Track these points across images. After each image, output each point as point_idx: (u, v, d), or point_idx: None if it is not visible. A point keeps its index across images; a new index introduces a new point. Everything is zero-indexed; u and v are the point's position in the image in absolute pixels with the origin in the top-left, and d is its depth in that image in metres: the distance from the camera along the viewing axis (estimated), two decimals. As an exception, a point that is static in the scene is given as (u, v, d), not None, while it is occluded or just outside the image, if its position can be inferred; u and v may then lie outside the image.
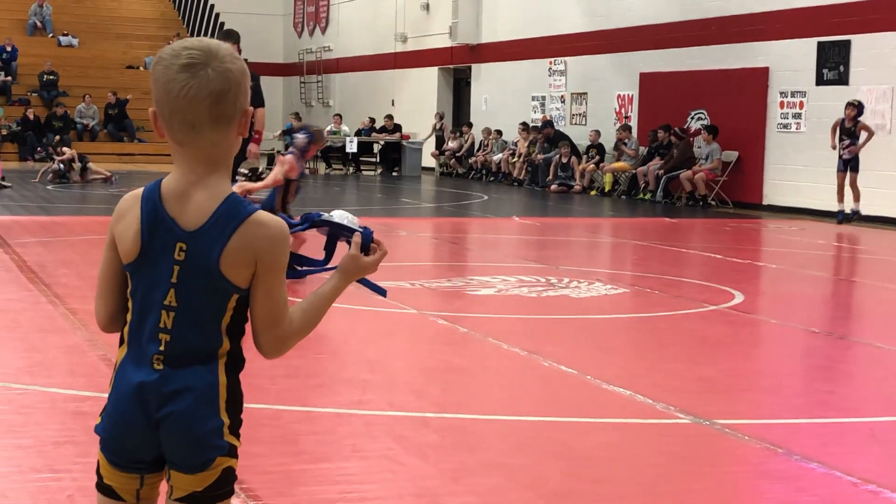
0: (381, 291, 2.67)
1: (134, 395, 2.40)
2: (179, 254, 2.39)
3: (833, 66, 18.78)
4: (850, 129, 16.75)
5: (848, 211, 16.90)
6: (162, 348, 2.40)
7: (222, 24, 35.56)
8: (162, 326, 2.40)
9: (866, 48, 18.18)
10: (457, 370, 6.77)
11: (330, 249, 2.69)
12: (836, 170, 17.00)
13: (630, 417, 5.67)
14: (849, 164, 16.85)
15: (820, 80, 19.04)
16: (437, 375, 6.60)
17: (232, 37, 11.67)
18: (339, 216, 2.61)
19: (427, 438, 5.15)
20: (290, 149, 10.30)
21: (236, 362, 2.47)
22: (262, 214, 2.41)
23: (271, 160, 29.45)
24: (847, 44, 18.49)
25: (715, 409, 5.75)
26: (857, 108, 16.83)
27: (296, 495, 4.31)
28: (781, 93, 19.82)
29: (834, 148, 16.93)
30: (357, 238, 2.56)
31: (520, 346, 7.30)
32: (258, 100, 11.79)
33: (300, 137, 10.10)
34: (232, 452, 2.44)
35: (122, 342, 2.47)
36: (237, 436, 2.46)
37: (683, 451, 5.12)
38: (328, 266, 2.66)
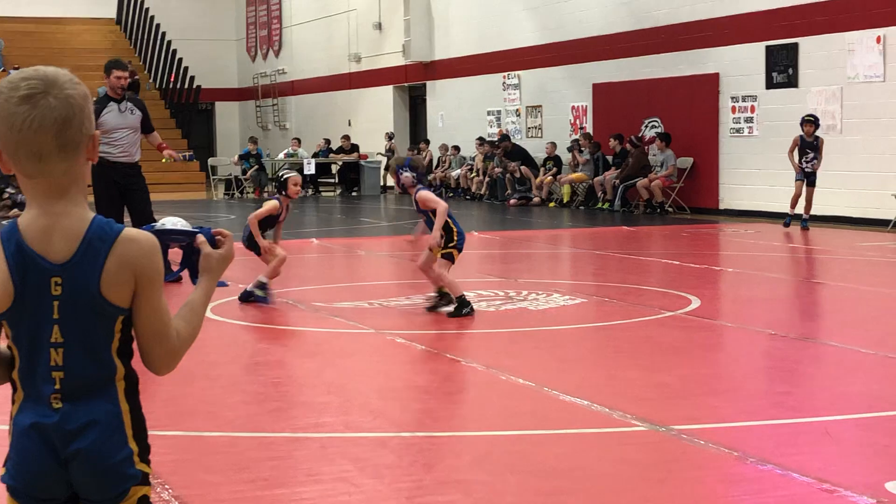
0: (223, 283, 2.67)
1: (37, 439, 2.36)
2: (56, 288, 2.35)
3: (782, 69, 18.95)
4: (812, 143, 16.62)
5: (802, 221, 16.77)
6: (57, 386, 2.37)
7: (174, 51, 35.50)
8: (53, 365, 2.37)
9: (814, 50, 18.35)
10: (415, 388, 6.75)
11: (189, 265, 2.67)
12: (794, 178, 16.89)
13: (587, 427, 5.67)
14: (809, 178, 16.71)
15: (770, 84, 19.21)
16: (394, 395, 6.58)
17: (117, 65, 11.73)
18: (172, 223, 2.60)
19: (384, 459, 5.13)
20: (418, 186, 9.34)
21: (133, 385, 2.45)
22: (132, 230, 2.40)
23: (229, 185, 29.37)
24: (795, 47, 18.66)
25: (672, 416, 5.76)
26: (814, 123, 16.63)
27: (250, 522, 4.28)
28: (733, 98, 19.97)
29: (797, 167, 16.74)
30: (201, 237, 2.55)
31: (478, 362, 7.29)
32: (150, 125, 12.02)
33: (406, 175, 9.33)
34: (145, 480, 2.43)
35: (14, 388, 2.43)
36: (147, 462, 2.45)
37: (641, 458, 5.12)
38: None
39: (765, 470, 4.84)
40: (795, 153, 16.74)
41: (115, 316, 2.38)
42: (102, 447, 2.36)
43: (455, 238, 9.23)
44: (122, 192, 11.53)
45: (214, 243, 2.60)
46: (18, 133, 2.32)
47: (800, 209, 16.96)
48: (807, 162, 16.64)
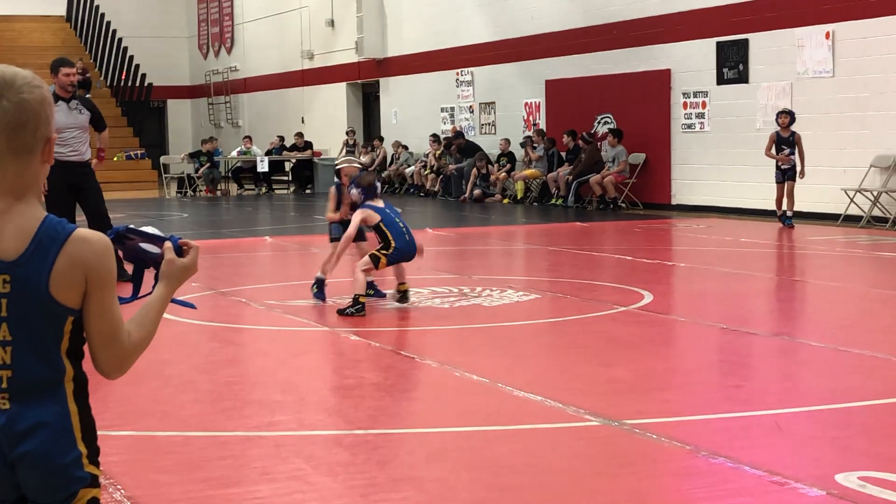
0: (191, 305, 2.66)
1: None
2: (4, 286, 2.33)
3: (733, 65, 19.09)
4: (788, 139, 16.45)
5: (786, 218, 16.53)
6: (5, 385, 2.35)
7: (125, 49, 35.24)
8: (0, 363, 2.34)
9: (764, 46, 18.50)
10: (368, 386, 6.75)
11: (138, 278, 2.66)
12: (774, 180, 16.71)
13: (541, 423, 5.69)
14: (787, 174, 16.42)
15: (721, 80, 19.34)
16: (348, 392, 6.58)
17: (63, 63, 11.64)
18: (148, 229, 2.60)
19: (338, 457, 5.13)
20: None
21: (83, 387, 2.42)
22: (84, 231, 2.37)
23: (181, 183, 29.20)
24: (745, 42, 18.81)
25: (625, 410, 5.79)
26: (789, 115, 16.37)
27: (203, 522, 4.26)
28: (684, 93, 20.10)
29: (778, 162, 16.54)
30: (168, 244, 2.54)
31: (432, 358, 7.30)
32: (102, 123, 11.94)
33: (354, 192, 9.71)
34: (94, 482, 2.41)
35: None
36: (97, 464, 2.43)
37: (594, 453, 5.15)
38: (140, 295, 2.63)
39: (716, 463, 4.88)
40: (773, 150, 16.51)
41: (64, 316, 2.36)
42: (51, 449, 2.34)
43: (390, 247, 9.25)
44: (74, 191, 11.43)
45: (181, 253, 2.58)
46: None
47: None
48: (785, 157, 16.37)
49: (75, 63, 12.26)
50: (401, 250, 9.34)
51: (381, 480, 4.71)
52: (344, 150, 29.80)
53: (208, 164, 29.05)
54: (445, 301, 9.78)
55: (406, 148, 27.61)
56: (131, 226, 2.62)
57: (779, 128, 16.46)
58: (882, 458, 4.90)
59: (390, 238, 9.30)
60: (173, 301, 2.58)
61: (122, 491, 4.52)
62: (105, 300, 2.37)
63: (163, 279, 2.55)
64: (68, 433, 2.37)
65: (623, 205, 20.93)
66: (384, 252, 9.28)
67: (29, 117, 2.35)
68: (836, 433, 5.40)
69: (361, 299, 9.05)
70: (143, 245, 2.57)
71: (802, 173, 16.27)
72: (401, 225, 9.43)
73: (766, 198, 18.32)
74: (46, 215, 2.37)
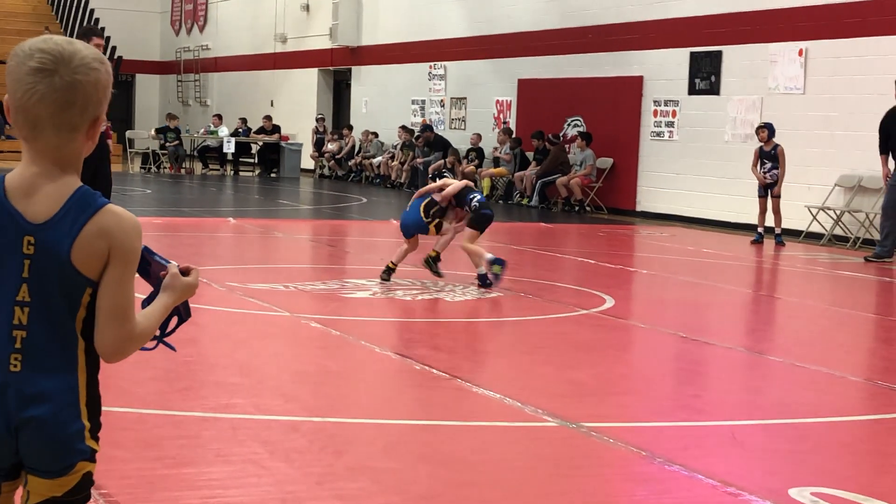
0: (173, 347, 2.66)
1: None
2: (28, 247, 2.33)
3: (705, 76, 19.19)
4: (770, 153, 16.26)
5: (774, 236, 16.42)
6: (18, 345, 2.34)
7: (97, 20, 34.92)
8: (17, 323, 2.34)
9: (737, 59, 18.61)
10: (328, 374, 6.73)
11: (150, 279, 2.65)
12: (757, 194, 16.62)
13: (499, 421, 5.69)
14: (769, 189, 16.32)
15: (692, 90, 19.44)
16: (307, 379, 6.55)
17: (93, 32, 11.54)
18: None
19: (295, 443, 5.10)
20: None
21: (94, 362, 2.42)
22: (117, 207, 2.38)
23: (146, 159, 29.01)
24: (718, 54, 18.90)
25: (582, 413, 5.81)
26: (767, 128, 16.28)
27: (156, 501, 4.23)
28: (655, 101, 20.18)
29: (760, 179, 16.27)
30: (173, 267, 2.54)
31: (393, 350, 7.29)
32: None
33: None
34: (92, 457, 2.41)
35: None
36: (97, 439, 2.43)
37: (549, 453, 5.15)
38: (169, 331, 2.62)
39: (671, 471, 4.90)
40: (758, 166, 16.41)
41: (83, 286, 2.35)
42: (56, 418, 2.34)
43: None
44: (94, 160, 11.39)
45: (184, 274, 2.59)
46: (19, 100, 2.34)
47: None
48: (765, 173, 16.31)
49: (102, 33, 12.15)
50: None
51: (338, 469, 4.70)
52: (315, 137, 29.72)
53: (176, 142, 28.87)
54: (408, 294, 9.77)
55: (377, 136, 27.55)
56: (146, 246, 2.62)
57: (761, 143, 16.44)
58: (835, 475, 4.94)
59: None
60: (160, 340, 2.58)
61: (76, 465, 4.48)
62: (124, 277, 2.37)
63: (165, 291, 2.53)
64: (74, 405, 2.36)
65: (588, 208, 21.00)
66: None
67: (78, 97, 2.34)
68: (790, 447, 5.43)
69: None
70: (156, 257, 2.57)
71: (776, 191, 16.27)
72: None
73: (730, 210, 18.47)
74: (82, 185, 2.37)
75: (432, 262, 10.48)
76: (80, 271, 2.34)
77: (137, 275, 2.49)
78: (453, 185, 10.48)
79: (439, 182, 10.65)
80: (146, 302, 2.52)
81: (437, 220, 10.39)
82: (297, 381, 6.49)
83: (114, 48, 34.49)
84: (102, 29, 11.85)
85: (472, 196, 10.44)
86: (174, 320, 2.61)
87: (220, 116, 30.94)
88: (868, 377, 7.27)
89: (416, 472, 4.74)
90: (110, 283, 2.36)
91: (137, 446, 4.87)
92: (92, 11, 35.25)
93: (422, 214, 10.40)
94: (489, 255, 10.22)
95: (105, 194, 11.29)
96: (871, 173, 16.26)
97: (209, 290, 9.63)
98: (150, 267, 2.56)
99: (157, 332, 2.56)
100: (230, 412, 5.56)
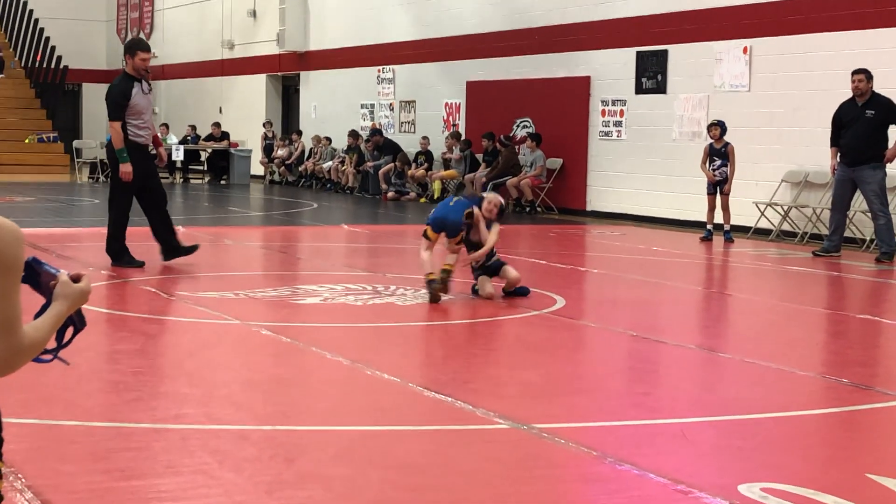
0: (65, 362, 2.63)
1: None
2: None
3: (651, 75, 19.30)
4: (721, 150, 16.28)
5: (723, 233, 16.41)
6: None
7: (41, 29, 34.61)
8: None
9: (683, 58, 18.74)
10: (278, 381, 6.70)
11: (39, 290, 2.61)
12: (706, 192, 16.66)
13: (450, 424, 5.69)
14: (718, 187, 16.34)
15: (639, 89, 19.55)
16: (258, 387, 6.52)
17: (139, 46, 11.47)
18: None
19: (245, 452, 5.07)
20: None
21: None
22: None
23: (93, 168, 28.76)
24: (664, 53, 19.03)
25: (534, 414, 5.82)
26: (719, 126, 16.27)
27: (105, 514, 4.19)
28: (603, 101, 20.28)
29: (709, 177, 16.27)
30: (63, 275, 2.51)
31: (343, 356, 7.27)
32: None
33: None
34: None
35: None
36: (0, 456, 2.37)
37: (501, 456, 5.16)
38: (65, 342, 2.58)
39: (622, 470, 4.92)
40: (707, 164, 16.43)
41: None
42: None
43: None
44: (144, 174, 11.47)
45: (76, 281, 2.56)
46: None
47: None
48: (714, 170, 16.34)
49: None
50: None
51: (288, 477, 4.68)
52: (263, 143, 29.60)
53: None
54: (359, 298, 9.75)
55: (330, 141, 27.48)
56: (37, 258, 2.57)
57: (711, 140, 16.52)
58: (784, 470, 4.98)
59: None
60: (54, 355, 2.53)
61: (24, 480, 4.43)
62: (7, 287, 2.31)
63: (57, 299, 2.49)
64: None
65: (539, 209, 21.06)
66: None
67: None
68: (740, 443, 5.47)
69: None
70: (46, 266, 2.52)
71: (726, 188, 16.37)
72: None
73: (679, 207, 18.60)
74: None
75: (445, 278, 9.77)
76: None
77: (29, 287, 2.44)
78: (493, 236, 9.95)
79: (499, 227, 10.11)
80: (39, 314, 2.48)
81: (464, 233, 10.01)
82: (248, 389, 6.46)
83: (59, 57, 34.19)
84: (145, 45, 11.77)
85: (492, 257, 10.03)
86: (69, 331, 2.56)
87: (167, 126, 30.74)
88: (817, 372, 7.34)
89: (367, 477, 4.73)
90: None
91: (86, 459, 4.83)
92: (37, 21, 34.93)
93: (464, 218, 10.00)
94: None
95: (159, 206, 11.11)
96: (818, 168, 16.43)
97: (158, 299, 9.56)
98: (39, 277, 2.51)
99: (54, 344, 2.52)
100: (180, 423, 5.52)
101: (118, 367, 6.93)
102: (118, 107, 11.46)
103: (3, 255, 2.32)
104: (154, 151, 12.03)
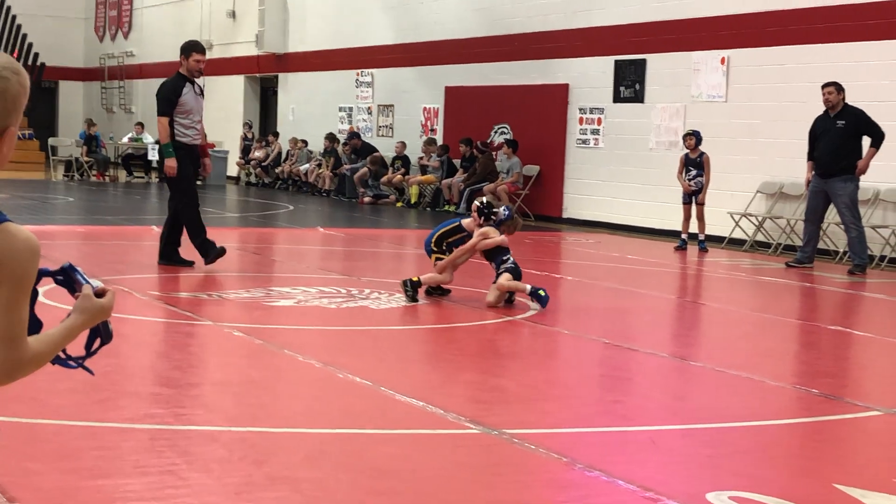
0: (90, 371, 2.63)
1: None
2: None
3: (629, 83, 19.36)
4: (696, 160, 16.37)
5: (698, 242, 16.37)
6: None
7: (19, 25, 34.44)
8: None
9: (661, 67, 18.81)
10: (250, 383, 6.68)
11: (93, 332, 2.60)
12: (682, 201, 16.70)
13: (421, 428, 5.68)
14: (693, 196, 16.43)
15: (617, 98, 19.60)
16: (229, 388, 6.50)
17: (195, 48, 11.46)
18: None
19: (214, 453, 5.05)
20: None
21: None
22: (14, 226, 2.30)
23: (69, 166, 28.63)
24: (643, 63, 19.09)
25: (505, 420, 5.82)
26: (694, 136, 16.37)
27: (71, 514, 4.17)
28: (581, 109, 20.32)
29: (685, 187, 16.36)
30: (87, 288, 2.50)
31: (316, 358, 7.25)
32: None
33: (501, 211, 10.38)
34: None
35: None
36: None
37: (471, 461, 5.15)
38: (92, 351, 2.57)
39: (592, 476, 4.92)
40: (683, 174, 16.50)
41: None
42: None
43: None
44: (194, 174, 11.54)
45: (99, 295, 2.54)
46: None
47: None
48: (690, 180, 16.42)
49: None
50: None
51: (257, 479, 4.66)
52: (242, 144, 29.52)
53: (97, 148, 28.58)
54: (333, 301, 9.73)
55: (306, 144, 27.44)
56: (72, 265, 2.56)
57: (687, 150, 16.58)
58: (753, 479, 4.99)
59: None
60: (77, 363, 2.53)
61: (-11, 478, 4.40)
62: (13, 298, 2.28)
63: (76, 312, 2.48)
64: None
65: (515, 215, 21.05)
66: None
67: None
68: (709, 452, 5.49)
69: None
70: (79, 276, 2.52)
71: (701, 198, 16.43)
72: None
73: (654, 216, 18.66)
74: None
75: (409, 286, 9.91)
76: None
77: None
78: (495, 239, 10.17)
79: (485, 229, 10.24)
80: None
81: (440, 256, 10.15)
82: (219, 390, 6.43)
83: (36, 55, 34.03)
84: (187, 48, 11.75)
85: (504, 257, 10.12)
86: (97, 342, 2.56)
87: (142, 124, 30.62)
88: (788, 382, 7.37)
89: (338, 480, 4.72)
90: (1, 305, 2.29)
91: (54, 458, 4.80)
92: (14, 17, 34.76)
93: (433, 245, 10.24)
94: (528, 286, 9.92)
95: (189, 207, 11.03)
96: (793, 180, 16.51)
97: (131, 298, 9.52)
98: (75, 283, 2.51)
99: (83, 352, 2.51)
100: (149, 422, 5.50)
101: (88, 365, 6.88)
102: (168, 102, 11.51)
103: (15, 268, 2.29)
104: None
